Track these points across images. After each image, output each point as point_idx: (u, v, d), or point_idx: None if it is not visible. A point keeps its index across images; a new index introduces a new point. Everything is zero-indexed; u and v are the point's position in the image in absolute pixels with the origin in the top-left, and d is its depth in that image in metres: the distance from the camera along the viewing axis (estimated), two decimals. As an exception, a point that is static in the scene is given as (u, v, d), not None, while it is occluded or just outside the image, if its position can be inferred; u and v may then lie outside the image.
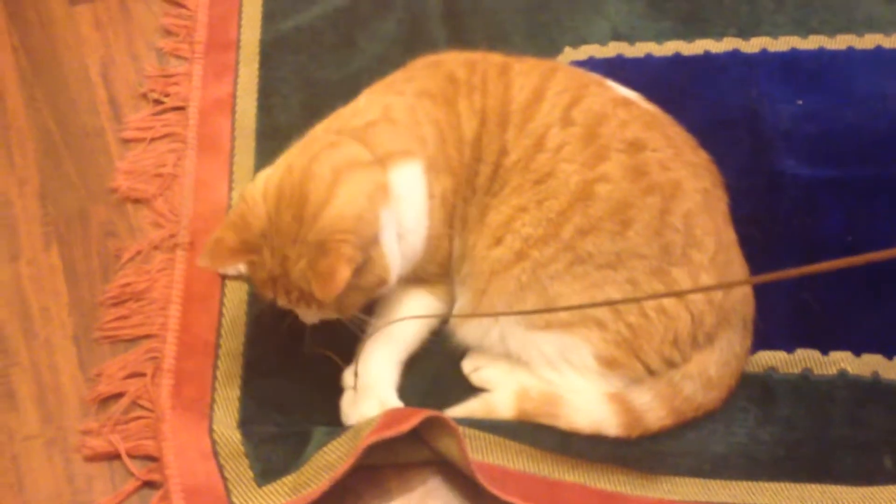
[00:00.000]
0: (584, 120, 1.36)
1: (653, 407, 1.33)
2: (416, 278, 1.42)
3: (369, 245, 1.27)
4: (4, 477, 1.36)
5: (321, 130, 1.40)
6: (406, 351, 1.41)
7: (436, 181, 1.36)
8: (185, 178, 1.66)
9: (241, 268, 1.50)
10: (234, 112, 1.75)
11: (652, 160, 1.34)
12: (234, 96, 1.77)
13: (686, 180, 1.35)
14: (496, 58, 1.46)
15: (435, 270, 1.41)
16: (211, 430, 1.35)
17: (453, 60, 1.46)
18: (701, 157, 1.41)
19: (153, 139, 1.72)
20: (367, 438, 1.23)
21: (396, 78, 1.49)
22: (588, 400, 1.33)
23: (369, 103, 1.44)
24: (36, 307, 1.53)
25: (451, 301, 1.45)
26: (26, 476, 1.37)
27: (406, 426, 1.24)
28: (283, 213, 1.25)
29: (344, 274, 1.20)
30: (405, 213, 1.34)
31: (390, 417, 1.27)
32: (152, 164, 1.69)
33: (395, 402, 1.35)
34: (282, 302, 1.30)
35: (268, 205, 1.27)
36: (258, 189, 1.29)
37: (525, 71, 1.42)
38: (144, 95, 1.78)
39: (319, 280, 1.22)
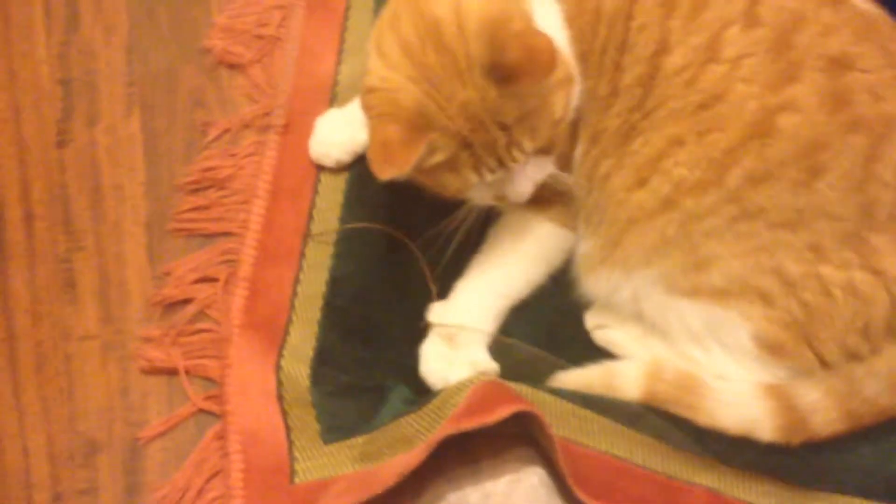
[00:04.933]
0: (775, 20, 1.02)
1: (823, 407, 1.04)
2: (535, 198, 1.13)
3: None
4: (55, 379, 1.22)
5: None
6: (514, 296, 1.15)
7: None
8: (289, 44, 1.40)
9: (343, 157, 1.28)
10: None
11: (860, 85, 1.00)
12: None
13: None
14: None
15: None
16: (279, 368, 1.15)
17: None
18: None
19: (258, -13, 1.46)
20: (444, 428, 1.00)
21: None
22: (739, 392, 1.05)
23: None
24: (109, 184, 1.34)
25: (575, 228, 1.16)
26: (77, 382, 1.21)
27: (491, 418, 1.00)
28: (428, 57, 0.98)
29: (544, 40, 0.95)
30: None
31: (476, 400, 1.03)
32: (254, 22, 1.44)
33: (488, 365, 1.11)
34: (490, 167, 1.00)
35: (404, 69, 1.00)
36: (379, 63, 1.03)
37: None
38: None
39: (525, 56, 0.94)
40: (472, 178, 1.00)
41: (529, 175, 1.03)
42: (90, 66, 1.42)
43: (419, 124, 0.98)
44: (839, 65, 1.01)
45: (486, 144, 0.98)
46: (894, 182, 0.99)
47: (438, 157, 0.98)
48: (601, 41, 1.08)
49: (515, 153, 0.99)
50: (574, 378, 1.11)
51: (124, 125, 1.38)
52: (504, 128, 0.97)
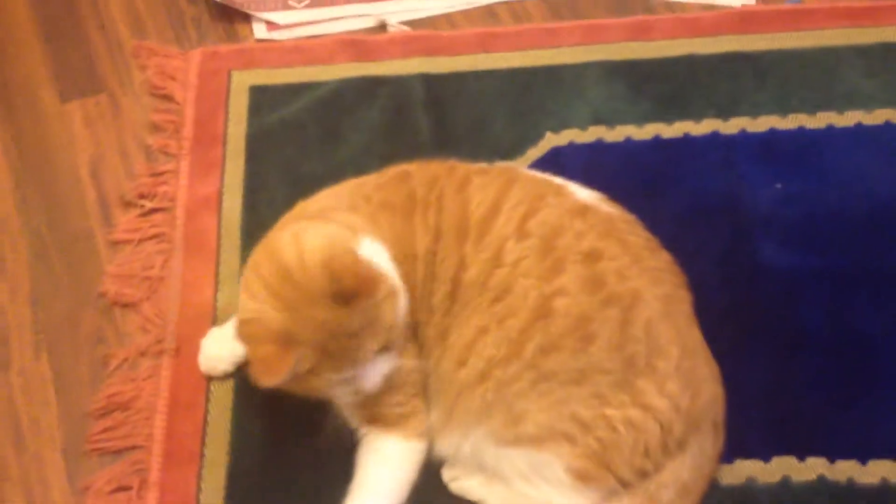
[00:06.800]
0: (540, 232, 1.37)
1: (631, 520, 1.34)
2: (378, 418, 1.41)
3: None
4: None
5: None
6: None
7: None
8: (172, 281, 1.69)
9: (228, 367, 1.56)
10: (220, 209, 1.77)
11: (609, 270, 1.35)
12: (220, 193, 1.79)
13: (645, 288, 1.35)
14: (459, 173, 1.46)
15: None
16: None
17: (418, 175, 1.46)
18: (661, 261, 1.42)
19: (141, 240, 1.75)
20: None
21: (368, 182, 1.51)
22: (567, 519, 1.35)
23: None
24: (26, 419, 1.57)
25: (425, 434, 1.43)
26: None
27: None
28: (286, 292, 1.26)
29: (367, 266, 1.24)
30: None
31: None
32: (140, 267, 1.72)
33: None
34: (346, 367, 1.28)
35: (270, 302, 1.27)
36: (250, 301, 1.30)
37: (483, 185, 1.43)
38: (133, 196, 1.81)
39: (356, 282, 1.23)
40: (333, 377, 1.29)
41: (377, 370, 1.32)
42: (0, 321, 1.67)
43: (287, 342, 1.25)
44: (592, 257, 1.35)
45: (340, 350, 1.27)
46: (644, 338, 1.32)
47: (305, 366, 1.26)
48: (419, 276, 1.40)
49: (363, 354, 1.28)
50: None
51: (34, 367, 1.62)
52: (352, 335, 1.26)
